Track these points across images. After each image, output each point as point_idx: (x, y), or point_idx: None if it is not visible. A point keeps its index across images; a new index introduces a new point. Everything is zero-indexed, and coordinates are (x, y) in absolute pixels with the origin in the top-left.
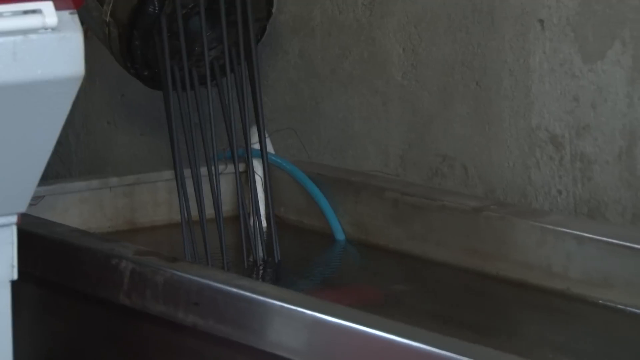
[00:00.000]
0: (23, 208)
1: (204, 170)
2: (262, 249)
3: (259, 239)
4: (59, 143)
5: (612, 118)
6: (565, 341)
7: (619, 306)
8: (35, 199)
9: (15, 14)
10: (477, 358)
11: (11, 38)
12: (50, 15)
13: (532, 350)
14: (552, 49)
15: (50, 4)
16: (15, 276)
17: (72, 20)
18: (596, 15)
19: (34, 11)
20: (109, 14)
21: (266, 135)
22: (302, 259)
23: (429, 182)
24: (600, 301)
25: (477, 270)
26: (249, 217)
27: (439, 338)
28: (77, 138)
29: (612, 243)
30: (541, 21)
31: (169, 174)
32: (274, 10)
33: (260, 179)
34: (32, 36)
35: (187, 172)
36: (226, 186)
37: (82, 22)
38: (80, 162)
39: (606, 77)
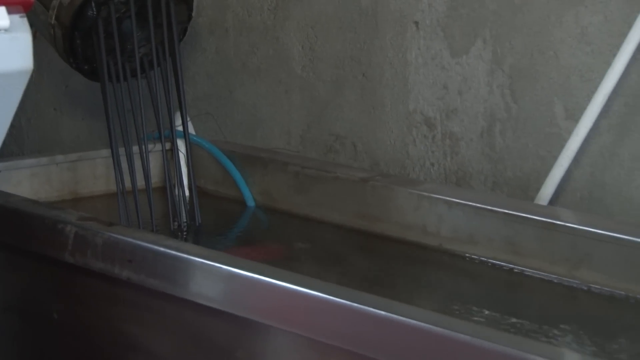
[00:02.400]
0: None
1: (135, 149)
2: (185, 214)
3: (183, 206)
4: (13, 126)
5: (475, 103)
6: (437, 287)
7: (482, 259)
8: None
9: None
10: (362, 303)
11: None
12: (3, 18)
13: (410, 294)
14: (425, 45)
15: (3, 9)
16: None
17: (22, 22)
18: (462, 18)
19: None
20: (54, 18)
21: (188, 119)
22: (219, 222)
23: (325, 157)
24: (467, 255)
25: (365, 230)
26: (174, 188)
27: (334, 287)
28: (29, 122)
29: (476, 207)
30: (416, 23)
31: (106, 152)
32: (193, 14)
33: (183, 156)
34: None
35: (121, 151)
36: (154, 162)
37: (31, 25)
38: (31, 142)
39: (470, 69)
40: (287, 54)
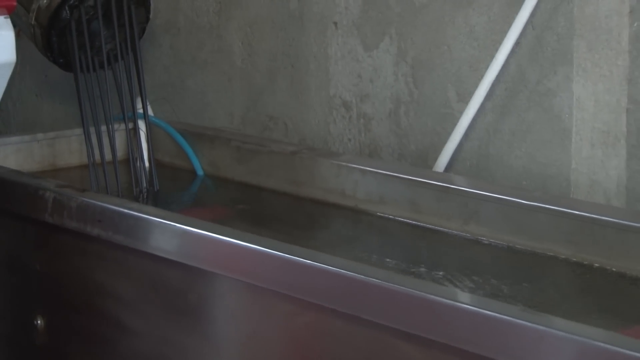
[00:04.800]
0: None
1: (103, 128)
2: (146, 182)
3: (143, 175)
4: (1, 109)
5: (384, 89)
6: (354, 240)
7: (390, 216)
8: None
9: None
10: (291, 254)
11: None
12: None
13: (330, 246)
14: (342, 42)
15: None
16: None
17: (6, 22)
18: (372, 19)
19: None
20: (34, 19)
21: (147, 103)
22: (173, 188)
23: (261, 134)
24: (378, 213)
25: (294, 194)
26: (136, 160)
27: (268, 241)
28: (14, 106)
29: (385, 174)
30: (335, 23)
31: (79, 130)
32: (150, 16)
33: (143, 134)
34: None
35: (92, 130)
36: (120, 139)
37: (15, 25)
38: (16, 123)
39: (380, 61)
40: (229, 49)
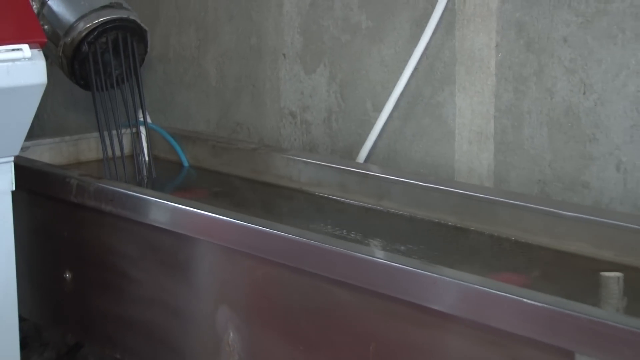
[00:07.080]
0: (16, 152)
1: (114, 132)
2: (146, 171)
3: (144, 166)
4: (38, 118)
5: (320, 102)
6: (298, 213)
7: (325, 195)
8: (25, 149)
9: (7, 50)
10: (253, 223)
11: (6, 64)
12: (27, 51)
13: (281, 216)
14: (289, 68)
15: (27, 46)
16: (13, 188)
17: (39, 54)
18: (311, 51)
19: (18, 49)
20: (61, 52)
21: (146, 114)
22: (166, 176)
23: (230, 135)
24: (317, 193)
25: (255, 180)
26: (139, 155)
27: (236, 214)
28: (49, 116)
29: (321, 164)
30: (284, 54)
31: (96, 134)
32: (148, 50)
33: (144, 136)
34: (18, 63)
35: (105, 134)
36: (126, 140)
37: (47, 56)
38: (50, 128)
39: (317, 82)
40: (206, 74)
